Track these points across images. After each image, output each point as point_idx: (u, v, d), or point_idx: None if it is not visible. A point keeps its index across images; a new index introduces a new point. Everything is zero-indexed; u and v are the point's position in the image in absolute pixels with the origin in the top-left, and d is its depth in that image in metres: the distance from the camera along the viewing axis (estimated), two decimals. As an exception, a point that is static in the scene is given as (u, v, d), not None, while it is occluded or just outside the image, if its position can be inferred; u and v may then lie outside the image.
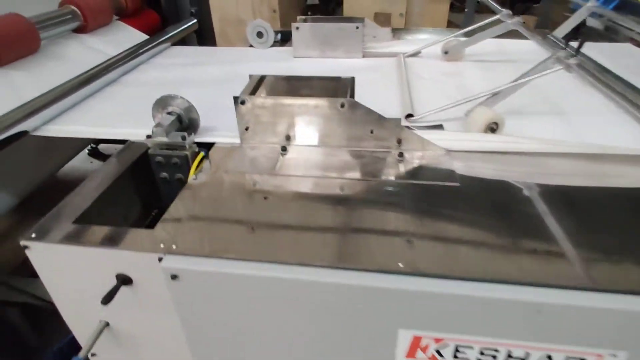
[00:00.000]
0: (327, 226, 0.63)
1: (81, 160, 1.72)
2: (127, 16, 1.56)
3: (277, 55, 1.43)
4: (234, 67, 1.33)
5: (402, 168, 0.77)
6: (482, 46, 1.31)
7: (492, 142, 0.80)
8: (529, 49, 1.34)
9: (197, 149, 0.84)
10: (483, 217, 0.64)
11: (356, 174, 0.76)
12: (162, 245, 0.60)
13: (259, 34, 1.47)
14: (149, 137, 0.82)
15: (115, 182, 0.79)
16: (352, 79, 0.88)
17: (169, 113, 0.86)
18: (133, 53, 1.32)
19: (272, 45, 1.51)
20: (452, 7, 3.72)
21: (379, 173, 0.76)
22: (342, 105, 0.79)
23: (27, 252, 0.64)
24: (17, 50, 1.07)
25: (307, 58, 1.38)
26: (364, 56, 1.37)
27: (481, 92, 0.93)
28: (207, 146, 0.88)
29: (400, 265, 0.55)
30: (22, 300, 1.17)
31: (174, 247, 0.60)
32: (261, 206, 0.68)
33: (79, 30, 1.32)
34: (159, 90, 1.20)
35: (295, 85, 0.93)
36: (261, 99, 0.82)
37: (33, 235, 0.64)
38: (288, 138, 0.85)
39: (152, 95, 1.16)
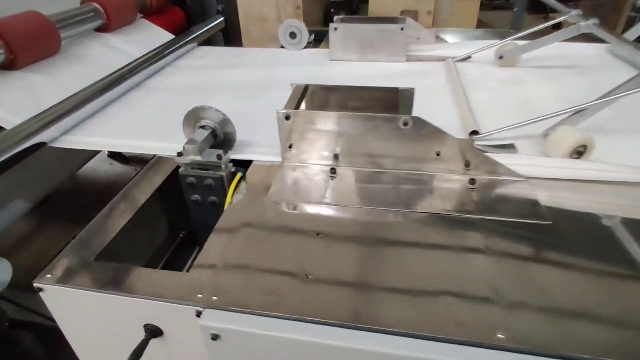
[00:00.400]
0: (397, 276, 0.52)
1: (101, 162, 1.64)
2: (151, 14, 1.47)
3: (311, 58, 1.32)
4: (266, 71, 1.23)
5: (476, 198, 0.65)
6: (537, 50, 1.18)
7: (582, 169, 0.68)
8: (595, 54, 1.20)
9: (233, 169, 0.74)
10: (590, 267, 0.52)
11: (422, 205, 0.64)
12: (199, 295, 0.50)
13: (292, 35, 1.36)
14: (179, 154, 0.72)
15: (142, 207, 0.69)
16: (412, 91, 0.76)
17: (202, 127, 0.76)
18: (158, 54, 1.23)
19: (305, 46, 1.40)
20: (481, 5, 3.55)
21: (449, 204, 0.64)
22: (406, 124, 0.67)
23: (41, 294, 0.55)
24: (36, 52, 0.98)
25: (344, 61, 1.27)
26: (407, 60, 1.25)
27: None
28: (242, 163, 0.77)
29: (500, 336, 0.44)
30: (34, 320, 1.09)
31: (214, 298, 0.50)
32: (314, 245, 0.57)
33: (102, 29, 1.23)
34: (187, 97, 1.11)
35: (343, 96, 0.82)
36: (308, 113, 0.71)
37: (48, 275, 0.54)
38: (336, 157, 0.74)
39: (179, 102, 1.07)
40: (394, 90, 0.78)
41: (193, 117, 0.77)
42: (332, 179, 0.72)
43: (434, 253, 0.55)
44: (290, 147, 0.74)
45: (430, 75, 1.16)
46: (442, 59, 1.24)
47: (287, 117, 0.71)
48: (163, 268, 0.81)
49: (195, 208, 0.76)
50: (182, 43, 1.34)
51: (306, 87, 0.81)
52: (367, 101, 0.80)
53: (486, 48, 1.19)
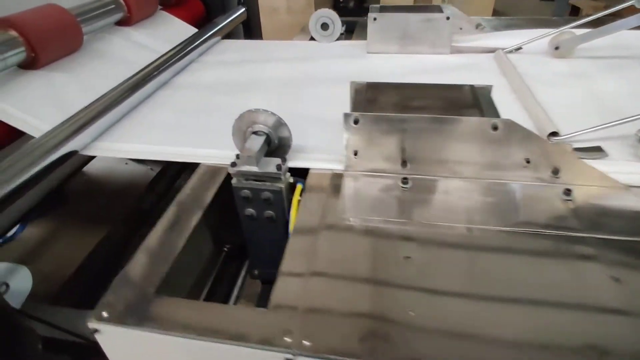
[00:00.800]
0: (509, 310, 0.45)
1: (115, 161, 1.57)
2: (170, 5, 1.38)
3: (346, 51, 1.23)
4: (301, 65, 1.14)
5: (577, 212, 0.58)
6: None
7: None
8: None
9: (291, 180, 0.66)
10: None
11: (515, 221, 0.57)
12: (287, 339, 0.43)
13: (324, 26, 1.27)
14: (233, 165, 0.64)
15: (195, 227, 0.61)
16: (489, 89, 0.68)
17: (255, 133, 0.68)
18: (184, 49, 1.14)
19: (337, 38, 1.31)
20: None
21: (548, 219, 0.57)
22: (496, 127, 0.59)
23: (96, 336, 0.48)
24: (58, 50, 0.90)
25: (384, 54, 1.18)
26: (451, 52, 1.16)
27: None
28: (295, 172, 0.69)
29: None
30: (65, 338, 1.02)
31: (306, 343, 0.42)
32: (406, 272, 0.50)
33: (122, 22, 1.15)
34: (220, 95, 1.02)
35: (406, 95, 0.73)
36: (380, 116, 0.63)
37: (104, 314, 0.47)
38: (404, 164, 0.66)
39: (213, 101, 0.98)
40: (466, 88, 0.70)
41: (244, 122, 0.69)
42: (404, 190, 0.64)
43: (552, 284, 0.48)
44: (355, 154, 0.66)
45: (481, 68, 1.07)
46: (490, 50, 1.15)
47: (356, 121, 0.63)
48: (211, 288, 0.73)
49: (249, 223, 0.69)
50: (207, 37, 1.25)
51: (368, 85, 0.73)
52: (435, 100, 0.71)
53: (540, 38, 1.10)
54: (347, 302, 0.46)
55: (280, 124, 0.68)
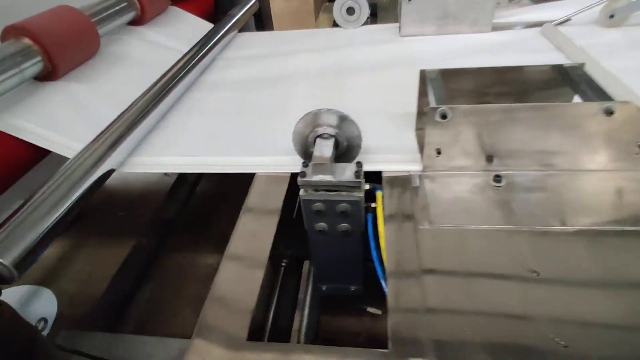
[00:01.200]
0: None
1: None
2: (180, 0, 1.28)
3: (376, 36, 1.14)
4: (332, 55, 1.05)
5: None
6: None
7: None
8: None
9: (367, 187, 0.58)
10: None
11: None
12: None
13: (350, 10, 1.18)
14: (302, 175, 0.56)
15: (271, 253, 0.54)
16: (582, 67, 0.60)
17: (320, 136, 0.60)
18: (205, 46, 1.05)
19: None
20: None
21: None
22: (610, 112, 0.51)
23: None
24: (76, 57, 0.81)
25: (419, 37, 1.09)
26: (492, 29, 1.07)
27: None
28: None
29: None
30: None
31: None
32: (542, 292, 0.43)
33: (135, 21, 1.05)
34: (253, 94, 0.92)
35: (483, 81, 0.65)
36: (471, 109, 0.55)
37: (196, 369, 0.39)
38: (490, 159, 0.59)
39: (247, 100, 0.89)
40: (547, 69, 0.62)
41: (307, 125, 0.61)
42: (498, 189, 0.56)
43: None
44: (439, 152, 0.58)
45: (531, 45, 0.99)
46: (533, 24, 1.07)
47: (444, 116, 0.55)
48: (274, 311, 0.66)
49: (319, 238, 0.61)
50: (225, 31, 1.16)
51: (441, 72, 0.65)
52: (516, 85, 0.63)
53: (593, 6, 1.01)
54: (481, 336, 0.39)
55: (347, 121, 0.60)
